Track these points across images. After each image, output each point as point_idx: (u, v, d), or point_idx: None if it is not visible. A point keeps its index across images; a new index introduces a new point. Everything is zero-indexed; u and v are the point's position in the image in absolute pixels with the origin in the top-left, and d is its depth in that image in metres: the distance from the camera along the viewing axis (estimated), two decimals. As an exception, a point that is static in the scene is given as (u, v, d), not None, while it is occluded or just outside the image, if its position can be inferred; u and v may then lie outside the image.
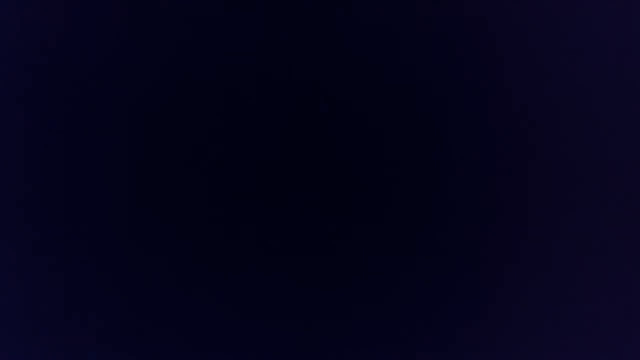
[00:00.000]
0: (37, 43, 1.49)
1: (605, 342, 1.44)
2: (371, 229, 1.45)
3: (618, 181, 1.45)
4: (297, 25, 1.47)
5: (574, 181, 1.45)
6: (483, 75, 1.46)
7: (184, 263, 1.46)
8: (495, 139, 1.46)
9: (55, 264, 1.47)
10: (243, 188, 1.47)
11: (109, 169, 1.47)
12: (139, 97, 1.48)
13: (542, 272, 1.44)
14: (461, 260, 1.44)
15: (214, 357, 1.45)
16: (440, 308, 1.45)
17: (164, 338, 1.46)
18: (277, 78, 1.47)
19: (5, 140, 1.48)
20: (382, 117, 1.46)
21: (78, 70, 1.48)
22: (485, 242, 1.44)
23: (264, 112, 1.47)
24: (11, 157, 1.48)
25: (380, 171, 1.46)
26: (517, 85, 1.46)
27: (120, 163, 1.47)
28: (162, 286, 1.46)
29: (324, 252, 1.45)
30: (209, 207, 1.46)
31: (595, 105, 1.46)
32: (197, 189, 1.46)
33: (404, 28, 1.47)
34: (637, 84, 1.46)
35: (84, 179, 1.47)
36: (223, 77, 1.48)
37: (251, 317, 1.46)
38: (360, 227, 1.45)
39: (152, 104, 1.48)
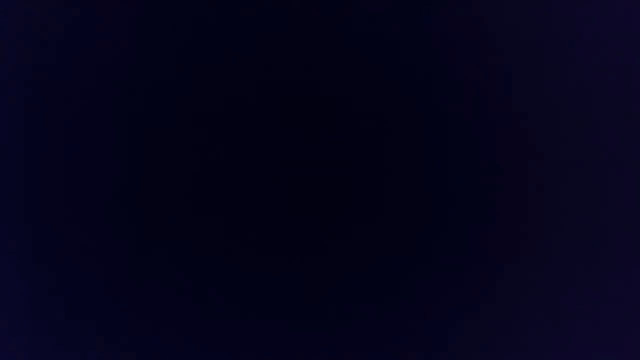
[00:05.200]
0: (37, 43, 1.49)
1: (605, 342, 1.44)
2: (371, 229, 1.45)
3: (618, 181, 1.45)
4: (297, 24, 1.47)
5: (574, 181, 1.45)
6: (483, 75, 1.46)
7: (184, 263, 1.46)
8: (495, 139, 1.46)
9: (56, 264, 1.47)
10: (243, 188, 1.47)
11: (109, 168, 1.47)
12: (138, 97, 1.48)
13: (542, 272, 1.44)
14: (461, 261, 1.44)
15: (215, 357, 1.45)
16: (440, 308, 1.45)
17: (164, 338, 1.46)
18: (277, 78, 1.47)
19: (6, 140, 1.48)
20: (382, 117, 1.46)
21: (76, 69, 1.48)
22: (485, 242, 1.44)
23: (263, 112, 1.47)
24: (11, 157, 1.48)
25: (381, 171, 1.46)
26: (517, 85, 1.46)
27: (120, 163, 1.47)
28: (162, 286, 1.46)
29: (324, 252, 1.45)
30: (208, 207, 1.46)
31: (595, 105, 1.46)
32: (196, 189, 1.46)
33: (404, 28, 1.47)
34: (637, 84, 1.46)
35: (85, 179, 1.47)
36: (222, 76, 1.48)
37: (251, 317, 1.46)
38: (360, 227, 1.45)
39: (151, 104, 1.48)
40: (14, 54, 1.49)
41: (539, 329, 1.44)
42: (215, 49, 1.48)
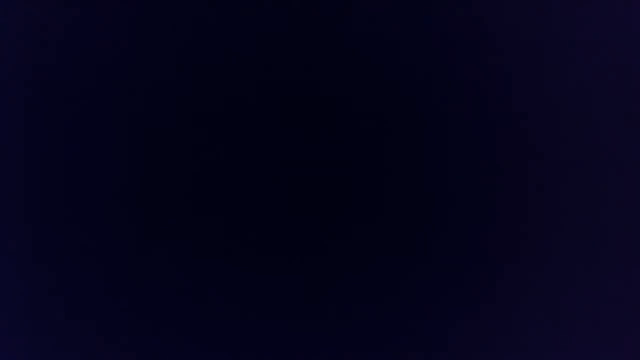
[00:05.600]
0: (37, 43, 1.49)
1: (605, 342, 1.44)
2: (371, 229, 1.45)
3: (618, 181, 1.45)
4: (297, 24, 1.47)
5: (574, 181, 1.45)
6: (483, 75, 1.46)
7: (184, 263, 1.46)
8: (495, 139, 1.46)
9: (56, 264, 1.47)
10: (243, 188, 1.47)
11: (109, 168, 1.47)
12: (138, 97, 1.48)
13: (542, 272, 1.44)
14: (461, 261, 1.44)
15: (215, 357, 1.45)
16: (440, 308, 1.45)
17: (164, 338, 1.46)
18: (277, 78, 1.47)
19: (6, 140, 1.48)
20: (382, 117, 1.46)
21: (76, 69, 1.48)
22: (485, 242, 1.44)
23: (263, 112, 1.47)
24: (11, 157, 1.48)
25: (381, 171, 1.46)
26: (517, 85, 1.46)
27: (120, 163, 1.47)
28: (162, 286, 1.46)
29: (324, 252, 1.45)
30: (208, 207, 1.46)
31: (595, 105, 1.46)
32: (196, 189, 1.46)
33: (404, 28, 1.47)
34: (637, 84, 1.46)
35: (85, 179, 1.47)
36: (222, 76, 1.48)
37: (251, 317, 1.46)
38: (360, 227, 1.45)
39: (151, 104, 1.48)
40: (14, 54, 1.49)
41: (539, 329, 1.44)
42: (215, 49, 1.48)
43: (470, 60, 1.46)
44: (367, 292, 1.45)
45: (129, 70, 1.48)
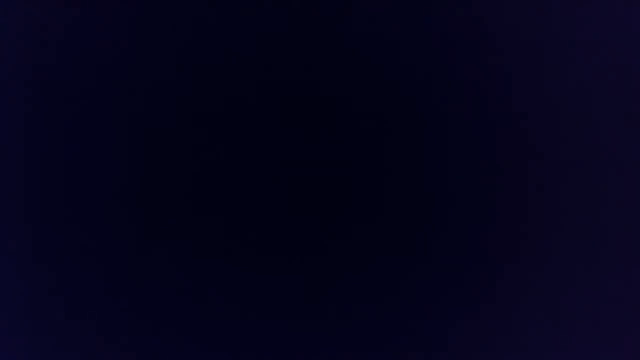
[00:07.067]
0: (37, 43, 1.49)
1: (605, 342, 1.44)
2: (371, 229, 1.45)
3: (618, 181, 1.45)
4: (297, 24, 1.47)
5: (574, 181, 1.45)
6: (483, 75, 1.46)
7: (184, 263, 1.46)
8: (495, 139, 1.46)
9: (56, 264, 1.47)
10: (243, 188, 1.47)
11: (109, 168, 1.47)
12: (138, 97, 1.48)
13: (542, 272, 1.44)
14: (461, 261, 1.44)
15: (215, 357, 1.45)
16: (440, 308, 1.45)
17: (164, 338, 1.46)
18: (277, 78, 1.47)
19: (6, 140, 1.48)
20: (382, 117, 1.46)
21: (76, 69, 1.48)
22: (485, 242, 1.44)
23: (263, 112, 1.47)
24: (11, 157, 1.48)
25: (381, 171, 1.46)
26: (517, 85, 1.46)
27: (120, 163, 1.47)
28: (162, 286, 1.46)
29: (324, 252, 1.45)
30: (208, 207, 1.46)
31: (595, 105, 1.46)
32: (196, 189, 1.46)
33: (404, 28, 1.47)
34: (637, 84, 1.46)
35: (85, 179, 1.47)
36: (222, 76, 1.48)
37: (251, 317, 1.46)
38: (360, 227, 1.45)
39: (151, 104, 1.48)
40: (14, 54, 1.49)
41: (539, 329, 1.44)
42: (215, 49, 1.48)
43: (470, 60, 1.46)
44: (367, 292, 1.45)
45: (129, 70, 1.48)
